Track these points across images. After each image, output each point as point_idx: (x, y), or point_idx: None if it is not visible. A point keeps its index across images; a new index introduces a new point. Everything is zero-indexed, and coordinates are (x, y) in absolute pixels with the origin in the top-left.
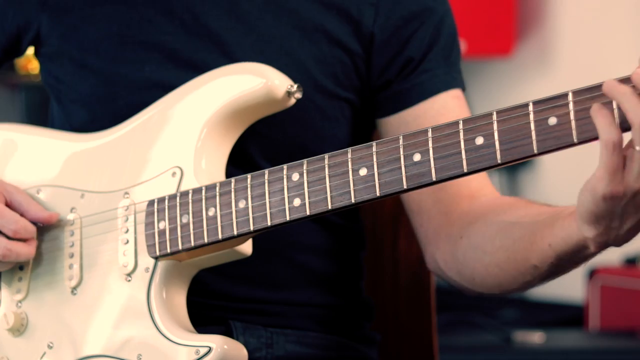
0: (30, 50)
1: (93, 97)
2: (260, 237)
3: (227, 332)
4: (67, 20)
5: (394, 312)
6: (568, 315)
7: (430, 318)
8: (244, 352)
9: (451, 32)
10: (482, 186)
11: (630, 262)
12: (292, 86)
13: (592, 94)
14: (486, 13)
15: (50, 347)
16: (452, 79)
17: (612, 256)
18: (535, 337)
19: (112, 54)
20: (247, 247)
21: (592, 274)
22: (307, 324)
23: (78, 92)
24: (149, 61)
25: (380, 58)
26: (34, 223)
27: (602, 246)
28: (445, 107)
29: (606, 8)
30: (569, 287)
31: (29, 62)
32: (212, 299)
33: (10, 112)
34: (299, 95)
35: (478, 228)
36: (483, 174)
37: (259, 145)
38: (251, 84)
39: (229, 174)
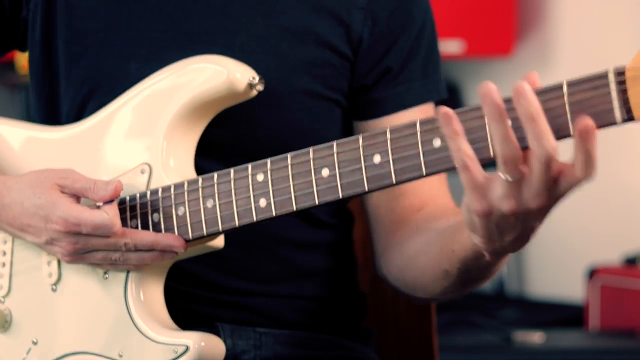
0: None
1: (79, 91)
2: (243, 231)
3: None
4: (52, 9)
5: (394, 312)
6: (568, 315)
7: (430, 318)
8: (221, 346)
9: (431, 42)
10: (433, 196)
11: (630, 262)
12: (254, 78)
13: (545, 97)
14: (486, 13)
15: (34, 343)
16: (426, 92)
17: (612, 256)
18: (535, 337)
19: (98, 48)
20: (219, 241)
21: (592, 274)
22: (298, 318)
23: (62, 84)
24: (134, 58)
25: (364, 63)
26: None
27: (494, 254)
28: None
29: (606, 8)
30: (569, 287)
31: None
32: (198, 289)
33: (10, 112)
34: (260, 87)
35: (413, 238)
36: (440, 182)
37: (247, 147)
38: (212, 77)
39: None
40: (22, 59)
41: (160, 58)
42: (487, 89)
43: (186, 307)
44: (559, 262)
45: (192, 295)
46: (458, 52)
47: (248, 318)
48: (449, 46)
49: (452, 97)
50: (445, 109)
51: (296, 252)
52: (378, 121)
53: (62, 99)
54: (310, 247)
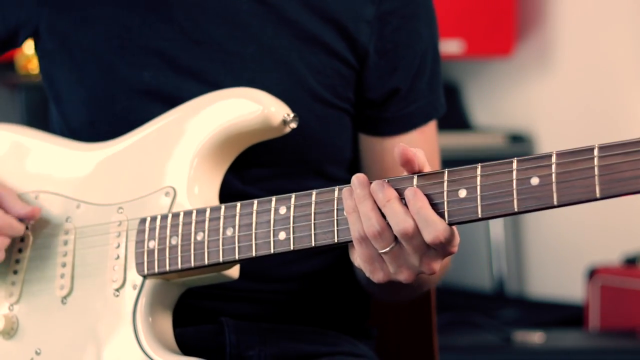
0: (31, 50)
1: (92, 99)
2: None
3: (219, 330)
4: (68, 18)
5: (394, 312)
6: (568, 315)
7: (430, 318)
8: None
9: (436, 56)
10: None
11: (630, 262)
12: (288, 115)
13: (576, 157)
14: (486, 13)
15: (37, 353)
16: (432, 109)
17: (612, 256)
18: (535, 337)
19: (111, 56)
20: (234, 272)
21: (592, 274)
22: (302, 316)
23: (77, 92)
24: (147, 66)
25: (370, 76)
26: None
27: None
28: (412, 143)
29: (606, 8)
30: (569, 287)
31: (29, 62)
32: (203, 288)
33: (10, 112)
34: (294, 125)
35: None
36: None
37: (258, 152)
38: (247, 111)
39: (226, 180)
40: (22, 59)
41: (173, 66)
42: (358, 178)
43: (191, 304)
44: (559, 262)
45: (196, 292)
46: (458, 52)
47: (252, 314)
48: (449, 46)
49: (452, 97)
50: (349, 187)
51: (302, 253)
52: (376, 140)
53: (74, 104)
54: (315, 248)
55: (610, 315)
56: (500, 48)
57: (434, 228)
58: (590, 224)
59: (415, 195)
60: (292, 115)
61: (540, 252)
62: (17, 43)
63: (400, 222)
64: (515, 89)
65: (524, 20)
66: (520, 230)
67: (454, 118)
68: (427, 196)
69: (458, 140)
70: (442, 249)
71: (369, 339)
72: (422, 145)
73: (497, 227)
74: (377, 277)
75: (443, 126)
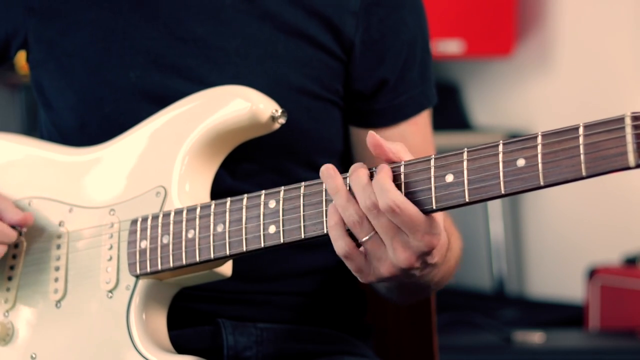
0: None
1: (81, 103)
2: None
3: (217, 331)
4: (54, 26)
5: (394, 312)
6: (568, 315)
7: (430, 318)
8: None
9: (426, 46)
10: None
11: (630, 262)
12: (276, 111)
13: (561, 137)
14: (486, 13)
15: (33, 358)
16: (425, 99)
17: (612, 256)
18: (535, 337)
19: (98, 59)
20: (226, 269)
21: (592, 274)
22: (298, 315)
23: (66, 98)
24: (133, 66)
25: (358, 68)
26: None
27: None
28: (403, 135)
29: (606, 8)
30: (569, 287)
31: None
32: (200, 290)
33: (10, 112)
34: (282, 120)
35: None
36: None
37: (247, 146)
38: (235, 107)
39: (217, 175)
40: (22, 59)
41: (158, 65)
42: (327, 168)
43: (188, 306)
44: (559, 262)
45: (193, 296)
46: (458, 52)
47: (249, 314)
48: (449, 46)
49: (452, 97)
50: (327, 166)
51: (297, 252)
52: (380, 131)
53: (64, 110)
54: (311, 246)
55: (610, 315)
56: (500, 48)
57: (387, 195)
58: (590, 224)
59: (381, 169)
60: (280, 111)
61: (540, 252)
62: (10, 55)
63: (366, 197)
64: (515, 89)
65: (524, 20)
66: (520, 230)
67: (454, 118)
68: (414, 182)
69: (458, 140)
70: (409, 230)
71: (367, 337)
72: (415, 136)
73: (497, 227)
74: (367, 279)
75: (443, 126)
